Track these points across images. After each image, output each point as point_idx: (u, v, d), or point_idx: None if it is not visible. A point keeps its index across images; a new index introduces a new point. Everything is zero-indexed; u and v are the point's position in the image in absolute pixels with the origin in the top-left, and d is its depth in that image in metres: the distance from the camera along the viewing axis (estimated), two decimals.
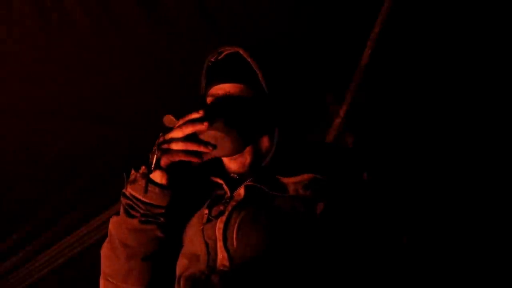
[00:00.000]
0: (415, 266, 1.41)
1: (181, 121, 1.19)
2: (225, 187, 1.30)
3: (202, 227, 1.27)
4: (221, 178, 1.33)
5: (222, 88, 1.30)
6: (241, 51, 1.30)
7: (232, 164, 1.31)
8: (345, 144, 1.95)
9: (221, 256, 1.21)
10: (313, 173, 1.27)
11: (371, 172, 1.38)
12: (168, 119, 1.24)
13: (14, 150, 1.75)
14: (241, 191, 1.27)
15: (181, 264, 1.31)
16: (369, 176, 1.38)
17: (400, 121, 1.96)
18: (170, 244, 1.32)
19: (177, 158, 1.20)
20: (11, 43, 1.65)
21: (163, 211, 1.25)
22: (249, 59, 1.29)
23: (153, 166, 1.20)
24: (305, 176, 1.27)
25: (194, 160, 1.22)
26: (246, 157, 1.30)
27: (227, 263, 1.20)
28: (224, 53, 1.34)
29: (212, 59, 1.35)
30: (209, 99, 1.34)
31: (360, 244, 1.27)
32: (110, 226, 1.30)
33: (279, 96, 1.31)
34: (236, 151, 1.24)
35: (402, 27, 1.90)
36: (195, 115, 1.18)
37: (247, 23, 1.85)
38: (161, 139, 1.20)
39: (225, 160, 1.33)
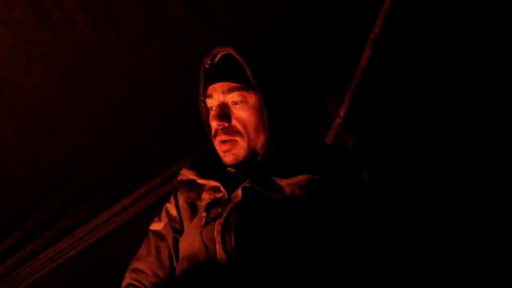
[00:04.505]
0: (415, 266, 1.42)
1: None
2: (222, 189, 1.32)
3: (201, 229, 1.28)
4: (218, 180, 1.34)
5: (214, 88, 1.35)
6: (231, 50, 1.35)
7: (226, 156, 1.35)
8: (344, 145, 1.95)
9: (220, 257, 1.22)
10: (310, 174, 1.29)
11: (371, 173, 1.39)
12: None
13: (14, 150, 1.75)
14: (239, 193, 1.29)
15: (181, 266, 1.32)
16: (369, 176, 1.38)
17: (400, 121, 1.96)
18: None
19: None
20: (11, 43, 1.65)
21: None
22: (238, 57, 1.33)
23: None
24: (301, 177, 1.29)
25: None
26: (239, 151, 1.34)
27: (226, 264, 1.21)
28: (219, 55, 1.38)
29: (208, 61, 1.40)
30: (207, 101, 1.41)
31: (358, 244, 1.28)
32: None
33: (270, 93, 1.34)
34: None
35: (402, 28, 1.91)
36: None
37: (247, 23, 1.85)
38: None
39: (221, 155, 1.36)
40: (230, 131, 1.36)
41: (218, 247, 1.23)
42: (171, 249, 1.41)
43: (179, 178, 1.47)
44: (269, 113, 1.34)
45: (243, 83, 1.34)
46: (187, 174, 1.45)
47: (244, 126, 1.36)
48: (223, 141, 1.36)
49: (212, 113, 1.38)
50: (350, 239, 1.28)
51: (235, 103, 1.36)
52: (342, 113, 2.00)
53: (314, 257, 1.22)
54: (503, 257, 1.71)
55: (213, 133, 1.40)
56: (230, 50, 1.37)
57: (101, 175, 1.88)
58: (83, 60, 1.75)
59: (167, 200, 1.50)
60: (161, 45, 1.81)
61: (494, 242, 1.74)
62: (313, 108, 1.96)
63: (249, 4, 1.83)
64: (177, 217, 1.43)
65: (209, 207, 1.32)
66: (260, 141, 1.36)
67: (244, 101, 1.35)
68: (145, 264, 1.41)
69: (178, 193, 1.47)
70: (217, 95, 1.37)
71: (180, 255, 1.36)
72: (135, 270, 1.42)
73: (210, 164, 1.44)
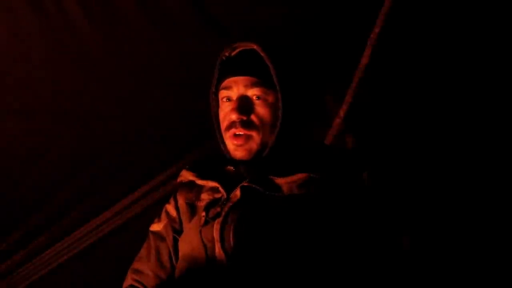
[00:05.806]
0: (415, 266, 1.42)
1: None
2: (221, 189, 1.32)
3: (200, 229, 1.28)
4: (217, 181, 1.34)
5: (235, 81, 1.35)
6: (255, 47, 1.34)
7: (238, 151, 1.34)
8: (344, 145, 1.96)
9: (219, 256, 1.23)
10: (308, 173, 1.29)
11: (371, 173, 1.39)
12: None
13: (14, 150, 1.76)
14: (237, 192, 1.30)
15: (181, 266, 1.32)
16: (369, 176, 1.39)
17: (401, 121, 1.96)
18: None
19: None
20: (10, 43, 1.65)
21: None
22: (262, 54, 1.33)
23: None
24: (299, 176, 1.30)
25: None
26: (252, 146, 1.34)
27: (225, 263, 1.22)
28: (238, 49, 1.38)
29: (226, 54, 1.39)
30: (222, 92, 1.38)
31: (357, 243, 1.29)
32: None
33: (289, 92, 1.34)
34: None
35: (402, 28, 1.91)
36: None
37: (247, 23, 1.85)
38: None
39: (231, 149, 1.36)
40: (249, 125, 1.35)
41: (217, 246, 1.23)
42: (171, 250, 1.41)
43: (179, 180, 1.48)
44: (284, 113, 1.35)
45: (265, 80, 1.34)
46: (186, 175, 1.45)
47: (262, 122, 1.36)
48: (237, 135, 1.36)
49: (231, 104, 1.37)
50: (349, 239, 1.28)
51: (257, 97, 1.36)
52: (342, 113, 2.00)
53: (313, 255, 1.22)
54: (504, 258, 1.72)
55: (227, 124, 1.38)
56: (254, 46, 1.37)
57: (101, 175, 1.88)
58: (83, 60, 1.75)
59: (167, 200, 1.51)
60: (161, 45, 1.82)
61: (495, 243, 1.74)
62: (313, 108, 1.96)
63: (251, 4, 1.83)
64: (177, 218, 1.43)
65: (208, 207, 1.33)
66: (270, 140, 1.36)
67: (264, 97, 1.35)
68: (146, 265, 1.42)
69: (178, 194, 1.47)
70: (238, 88, 1.36)
71: (180, 255, 1.37)
72: (136, 271, 1.43)
73: (209, 164, 1.45)
